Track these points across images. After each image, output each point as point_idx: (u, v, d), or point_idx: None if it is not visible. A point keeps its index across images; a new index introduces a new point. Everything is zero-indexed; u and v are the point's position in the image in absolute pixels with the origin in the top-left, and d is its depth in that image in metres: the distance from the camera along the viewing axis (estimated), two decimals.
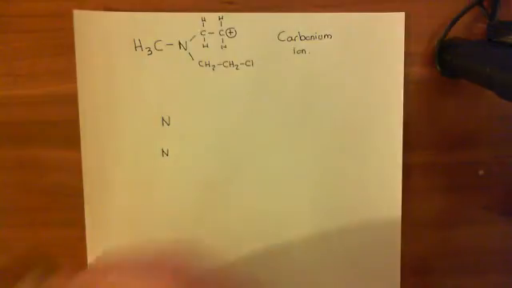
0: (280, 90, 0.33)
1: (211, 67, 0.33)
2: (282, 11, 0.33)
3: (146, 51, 0.32)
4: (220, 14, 0.32)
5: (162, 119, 0.33)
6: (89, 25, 0.32)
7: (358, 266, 0.35)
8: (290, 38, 0.33)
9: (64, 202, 0.34)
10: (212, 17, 0.32)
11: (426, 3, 0.33)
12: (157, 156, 0.33)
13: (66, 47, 0.32)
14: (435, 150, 0.35)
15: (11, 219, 0.34)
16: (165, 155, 0.33)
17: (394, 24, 0.33)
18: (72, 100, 0.32)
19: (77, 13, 0.32)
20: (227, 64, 0.33)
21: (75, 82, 0.32)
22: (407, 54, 0.33)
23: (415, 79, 0.34)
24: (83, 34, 0.32)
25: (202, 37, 0.32)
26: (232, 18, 0.32)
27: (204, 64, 0.33)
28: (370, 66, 0.33)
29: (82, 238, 0.33)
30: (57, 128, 0.33)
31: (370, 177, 0.34)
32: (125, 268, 0.26)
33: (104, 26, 0.32)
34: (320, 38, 0.33)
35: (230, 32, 0.32)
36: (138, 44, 0.32)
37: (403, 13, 0.33)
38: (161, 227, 0.27)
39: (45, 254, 0.34)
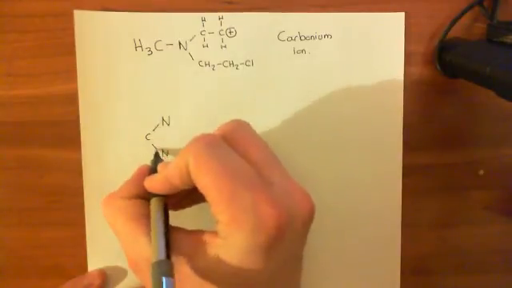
0: (280, 90, 0.33)
1: (211, 67, 0.33)
2: (282, 11, 0.33)
3: (146, 51, 0.32)
4: (220, 14, 0.32)
5: (162, 119, 0.33)
6: (89, 25, 0.32)
7: (358, 266, 0.35)
8: (290, 38, 0.33)
9: (64, 202, 0.34)
10: (212, 17, 0.32)
11: (425, 3, 0.33)
12: None
13: (66, 47, 0.32)
14: (435, 150, 0.35)
15: (11, 219, 0.34)
16: (165, 155, 0.33)
17: (394, 24, 0.33)
18: (72, 100, 0.32)
19: (77, 13, 0.32)
20: (227, 64, 0.33)
21: (75, 82, 0.32)
22: (407, 54, 0.33)
23: (415, 79, 0.34)
24: (83, 34, 0.32)
25: (201, 37, 0.32)
26: (232, 18, 0.32)
27: (204, 64, 0.33)
28: (370, 66, 0.33)
29: (82, 238, 0.33)
30: (57, 128, 0.33)
31: (370, 177, 0.34)
32: None
33: (104, 26, 0.32)
34: (320, 38, 0.33)
35: (230, 32, 0.32)
36: (138, 44, 0.32)
37: (403, 13, 0.33)
38: None
39: (45, 254, 0.34)
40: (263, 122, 0.33)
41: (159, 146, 0.33)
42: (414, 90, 0.34)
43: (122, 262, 0.34)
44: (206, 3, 0.32)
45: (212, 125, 0.33)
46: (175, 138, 0.33)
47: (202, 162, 0.23)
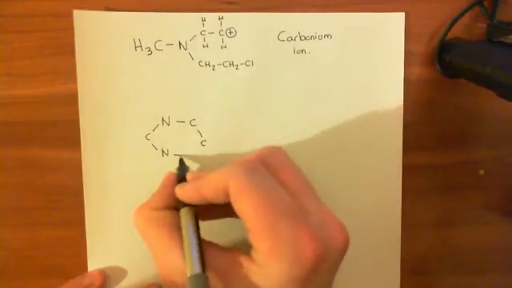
0: (280, 90, 0.33)
1: (211, 67, 0.33)
2: (282, 11, 0.33)
3: (145, 51, 0.32)
4: (220, 14, 0.32)
5: (162, 119, 0.33)
6: (89, 25, 0.32)
7: (358, 266, 0.35)
8: (290, 38, 0.33)
9: (64, 202, 0.34)
10: (212, 17, 0.32)
11: (425, 3, 0.33)
12: (157, 156, 0.33)
13: (66, 47, 0.32)
14: (435, 149, 0.35)
15: (11, 219, 0.34)
16: (165, 155, 0.33)
17: (394, 24, 0.33)
18: (72, 100, 0.32)
19: (77, 13, 0.32)
20: (227, 64, 0.33)
21: (75, 82, 0.32)
22: (407, 54, 0.33)
23: (415, 79, 0.34)
24: (83, 34, 0.32)
25: (201, 37, 0.32)
26: (232, 18, 0.32)
27: (204, 64, 0.33)
28: (370, 66, 0.33)
29: (82, 238, 0.33)
30: (57, 128, 0.33)
31: (370, 177, 0.34)
32: None
33: (104, 26, 0.32)
34: (320, 38, 0.33)
35: (230, 32, 0.32)
36: (138, 44, 0.32)
37: (403, 13, 0.33)
38: None
39: (45, 254, 0.34)
40: (263, 122, 0.33)
41: (159, 145, 0.33)
42: (414, 90, 0.34)
43: (122, 262, 0.34)
44: (206, 3, 0.32)
45: (212, 125, 0.33)
46: (175, 138, 0.33)
47: (243, 189, 0.23)
